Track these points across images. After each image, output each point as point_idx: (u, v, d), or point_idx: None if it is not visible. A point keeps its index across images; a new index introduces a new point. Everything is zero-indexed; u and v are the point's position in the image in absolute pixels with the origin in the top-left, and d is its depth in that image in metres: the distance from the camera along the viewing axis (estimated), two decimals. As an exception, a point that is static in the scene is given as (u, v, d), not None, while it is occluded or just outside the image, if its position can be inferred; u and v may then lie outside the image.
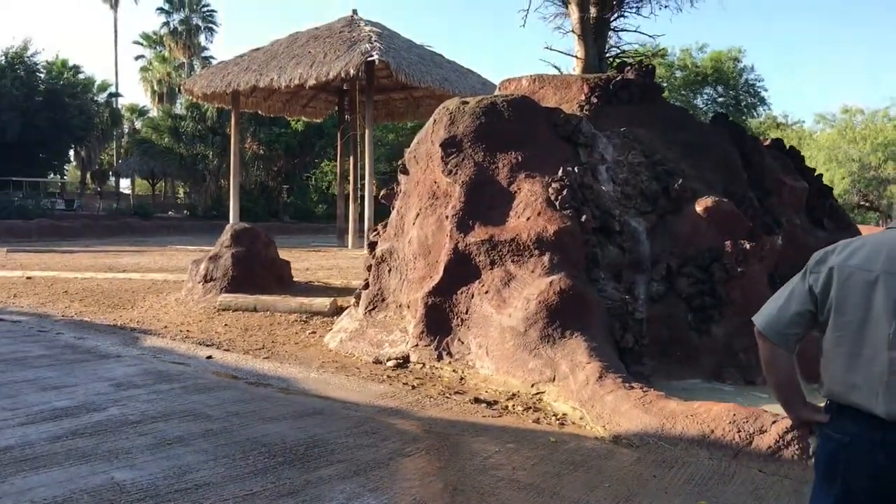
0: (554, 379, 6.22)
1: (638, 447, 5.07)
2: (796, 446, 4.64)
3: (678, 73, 39.74)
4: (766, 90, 44.74)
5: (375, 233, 9.17)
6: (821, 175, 10.03)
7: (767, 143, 9.54)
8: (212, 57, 54.69)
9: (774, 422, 4.84)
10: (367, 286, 8.57)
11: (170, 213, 44.71)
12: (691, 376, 7.15)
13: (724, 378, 7.12)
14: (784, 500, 4.18)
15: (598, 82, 8.93)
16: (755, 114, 41.54)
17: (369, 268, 8.70)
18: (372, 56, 19.18)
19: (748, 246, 7.41)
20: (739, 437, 4.87)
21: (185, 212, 44.67)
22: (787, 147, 9.75)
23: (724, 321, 7.35)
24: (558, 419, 5.76)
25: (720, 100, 40.76)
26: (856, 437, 2.23)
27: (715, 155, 8.56)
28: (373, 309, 8.30)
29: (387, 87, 23.72)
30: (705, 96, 41.40)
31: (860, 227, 10.43)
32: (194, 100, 26.74)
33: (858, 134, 31.57)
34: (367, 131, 21.21)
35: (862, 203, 28.56)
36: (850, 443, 2.24)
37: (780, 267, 7.79)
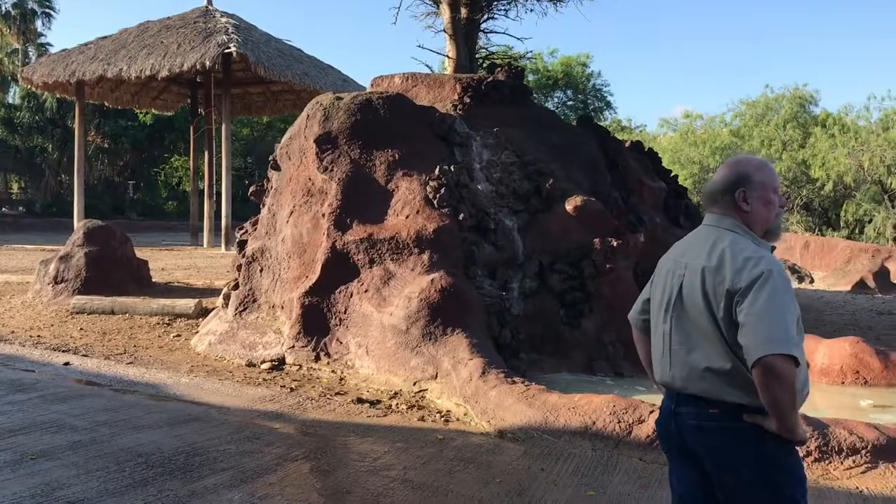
0: (437, 376, 6.25)
1: (523, 441, 5.16)
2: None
3: (530, 77, 40.93)
4: (611, 95, 46.88)
5: (244, 231, 8.87)
6: (676, 176, 10.61)
7: (628, 144, 9.99)
8: (49, 44, 50.88)
9: (652, 411, 5.04)
10: (236, 286, 8.28)
11: (3, 209, 41.39)
12: (564, 369, 7.36)
13: (595, 370, 7.39)
14: (667, 486, 4.35)
15: (471, 82, 9.04)
16: (602, 117, 43.43)
17: (239, 267, 8.41)
18: (229, 48, 18.52)
19: (615, 243, 7.71)
20: (620, 427, 5.06)
21: (21, 208, 41.45)
22: (647, 149, 10.25)
23: (593, 315, 7.63)
24: (443, 416, 5.78)
25: (570, 103, 42.32)
26: (664, 405, 2.55)
27: (582, 156, 8.87)
28: (244, 310, 8.03)
29: (243, 80, 23.02)
30: (556, 100, 42.85)
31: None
32: (33, 89, 24.92)
33: (699, 138, 33.72)
34: (223, 125, 20.45)
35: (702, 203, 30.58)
36: (661, 410, 2.57)
37: (642, 263, 8.16)
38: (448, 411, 5.87)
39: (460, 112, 8.65)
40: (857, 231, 28.41)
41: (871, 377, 7.08)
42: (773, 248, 2.46)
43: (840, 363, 7.18)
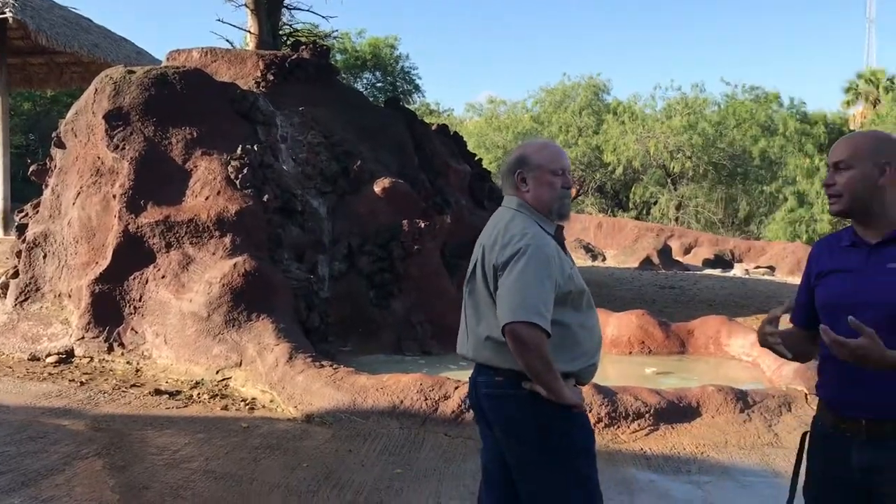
0: (241, 363, 6.06)
1: (332, 424, 5.12)
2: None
3: (338, 57, 40.48)
4: (420, 78, 47.32)
5: (24, 214, 8.15)
6: (481, 160, 10.90)
7: (435, 128, 10.13)
8: None
9: (457, 387, 5.18)
10: (16, 274, 7.59)
11: None
12: (374, 351, 7.38)
13: (404, 350, 7.47)
14: (470, 459, 4.48)
15: (274, 59, 8.77)
16: (410, 100, 43.84)
17: (18, 254, 7.71)
18: (4, 14, 16.85)
19: (422, 224, 7.81)
20: (426, 405, 5.14)
21: None
22: (453, 133, 10.45)
23: (402, 296, 7.70)
24: (248, 404, 5.62)
25: (379, 85, 42.29)
26: (471, 377, 2.61)
27: (390, 138, 8.89)
28: (25, 300, 7.38)
29: (22, 49, 20.94)
30: (364, 81, 42.70)
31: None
32: None
33: (502, 123, 34.80)
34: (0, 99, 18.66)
35: (506, 186, 31.66)
36: (469, 382, 2.62)
37: (448, 244, 8.33)
38: (254, 399, 5.72)
39: (263, 90, 8.38)
40: (644, 212, 30.59)
41: (655, 346, 7.68)
42: (561, 227, 2.56)
43: (628, 334, 7.72)
